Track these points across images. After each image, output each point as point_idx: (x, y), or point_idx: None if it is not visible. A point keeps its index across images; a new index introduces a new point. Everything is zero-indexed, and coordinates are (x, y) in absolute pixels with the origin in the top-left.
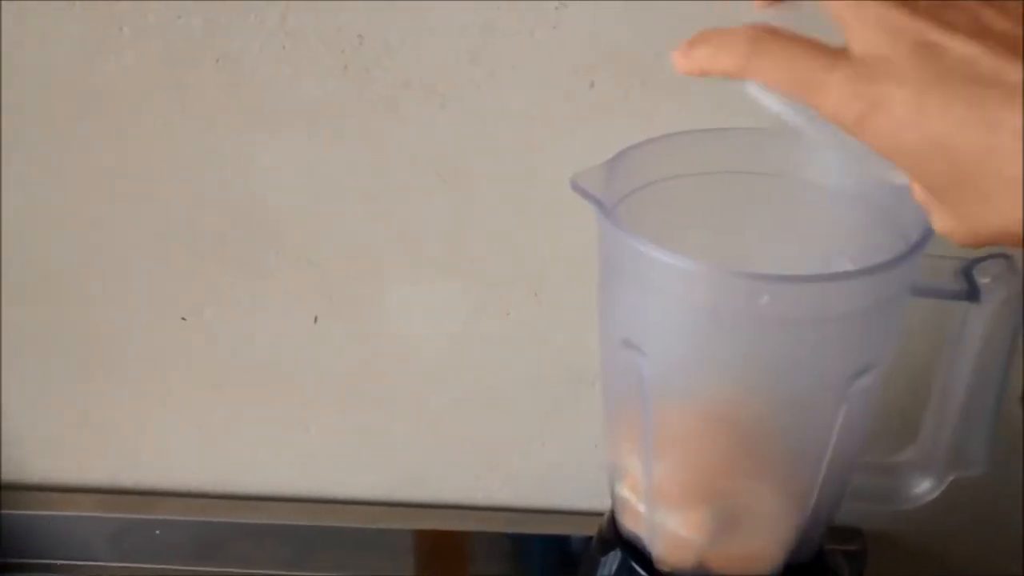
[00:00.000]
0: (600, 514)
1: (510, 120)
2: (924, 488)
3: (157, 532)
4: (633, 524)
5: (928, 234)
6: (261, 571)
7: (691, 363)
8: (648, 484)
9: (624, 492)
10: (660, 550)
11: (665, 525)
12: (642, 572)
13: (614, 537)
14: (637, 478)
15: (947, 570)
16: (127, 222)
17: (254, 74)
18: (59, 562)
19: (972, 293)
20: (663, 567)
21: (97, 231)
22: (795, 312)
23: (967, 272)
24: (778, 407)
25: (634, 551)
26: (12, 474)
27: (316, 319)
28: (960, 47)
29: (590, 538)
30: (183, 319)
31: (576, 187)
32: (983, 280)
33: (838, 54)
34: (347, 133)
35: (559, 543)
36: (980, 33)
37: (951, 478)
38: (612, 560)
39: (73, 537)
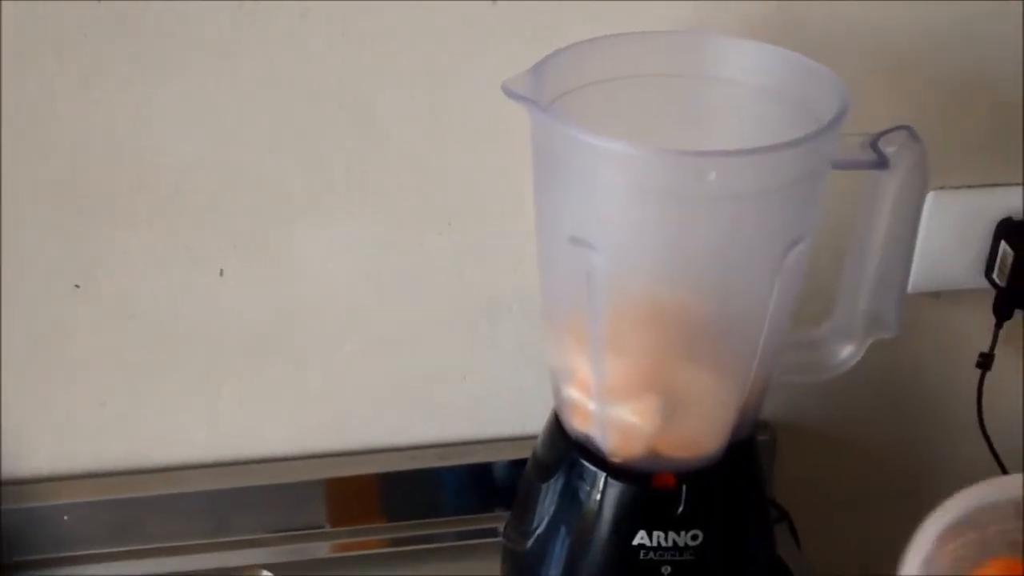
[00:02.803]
0: (523, 438)
1: (413, 45)
2: (846, 354)
3: (65, 518)
4: (582, 424)
5: (845, 110)
6: (182, 543)
7: (641, 251)
8: (599, 380)
9: (572, 393)
10: (611, 443)
11: (616, 417)
12: (594, 468)
13: (560, 443)
14: (586, 376)
15: (847, 450)
16: (5, 185)
17: (140, 14)
18: None
19: (881, 162)
20: (616, 459)
21: None
22: (739, 187)
23: (874, 144)
24: (721, 286)
25: (584, 451)
26: None
27: (222, 272)
28: None
29: (517, 462)
30: (76, 287)
31: (508, 91)
32: (889, 149)
33: None
34: (243, 71)
35: (483, 471)
36: None
37: (870, 342)
38: (562, 465)
39: None
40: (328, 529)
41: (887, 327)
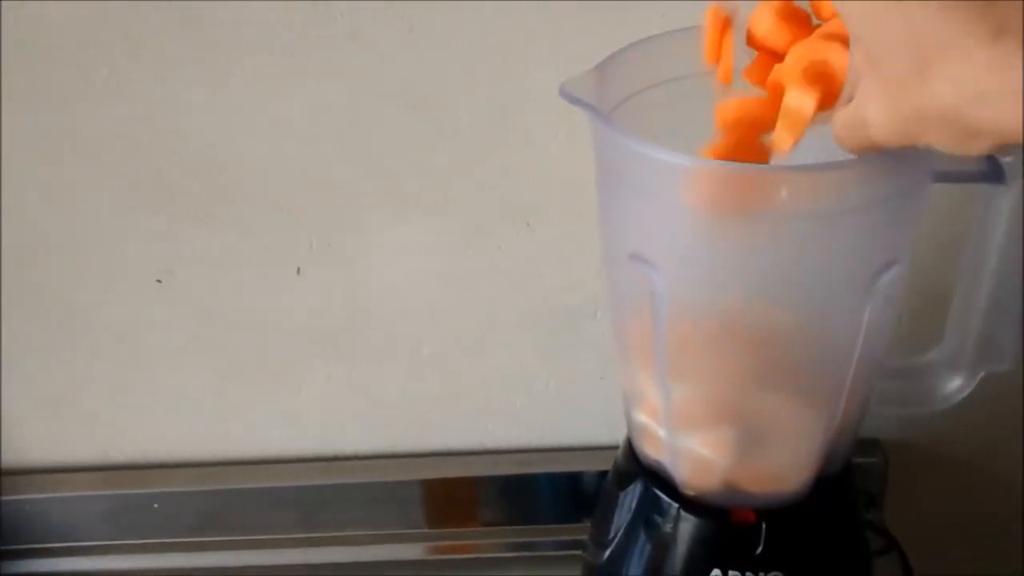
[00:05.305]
0: (611, 447)
1: (483, 40)
2: (954, 387)
3: (155, 506)
4: (654, 451)
5: None
6: (267, 536)
7: (706, 271)
8: (667, 407)
9: (642, 418)
10: (684, 475)
11: (687, 448)
12: (667, 499)
13: (634, 467)
14: (655, 402)
15: (968, 474)
16: (84, 185)
17: (209, 14)
18: (57, 545)
19: (995, 174)
20: (688, 491)
21: (53, 198)
22: (813, 206)
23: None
24: (799, 311)
25: (656, 478)
26: None
27: (299, 270)
28: None
29: (603, 473)
30: (158, 281)
31: (566, 94)
32: (1006, 159)
33: None
34: (311, 69)
35: (570, 481)
36: None
37: (981, 375)
38: (634, 490)
39: (68, 518)
40: (407, 531)
41: (1002, 358)
